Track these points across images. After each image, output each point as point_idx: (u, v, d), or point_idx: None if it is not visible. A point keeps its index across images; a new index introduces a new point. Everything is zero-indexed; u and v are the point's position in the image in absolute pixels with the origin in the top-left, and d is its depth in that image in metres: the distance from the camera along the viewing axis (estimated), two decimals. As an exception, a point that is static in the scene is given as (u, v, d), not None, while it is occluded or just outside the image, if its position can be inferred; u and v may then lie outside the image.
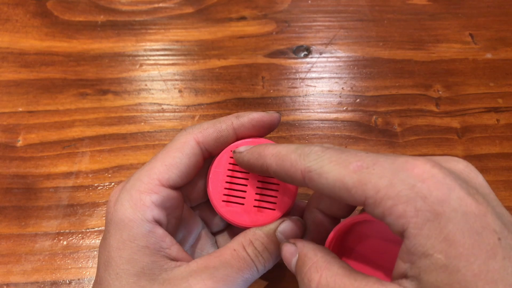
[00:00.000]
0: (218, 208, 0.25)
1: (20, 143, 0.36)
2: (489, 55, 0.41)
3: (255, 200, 0.25)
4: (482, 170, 0.35)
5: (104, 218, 0.33)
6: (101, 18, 0.43)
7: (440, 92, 0.39)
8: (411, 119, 0.38)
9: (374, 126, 0.37)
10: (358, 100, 0.39)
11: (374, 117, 0.38)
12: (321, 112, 0.38)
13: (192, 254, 0.27)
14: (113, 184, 0.34)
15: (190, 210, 0.28)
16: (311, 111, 0.38)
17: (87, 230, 0.33)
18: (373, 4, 0.45)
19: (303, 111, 0.38)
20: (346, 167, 0.18)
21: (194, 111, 0.38)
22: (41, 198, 0.34)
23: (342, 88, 0.40)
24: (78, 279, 0.31)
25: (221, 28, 0.42)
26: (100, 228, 0.33)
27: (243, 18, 0.43)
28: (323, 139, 0.37)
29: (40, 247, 0.32)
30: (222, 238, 0.29)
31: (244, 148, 0.24)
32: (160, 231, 0.23)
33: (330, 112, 0.38)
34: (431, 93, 0.39)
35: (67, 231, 0.32)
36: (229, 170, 0.25)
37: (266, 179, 0.25)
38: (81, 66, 0.40)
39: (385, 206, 0.17)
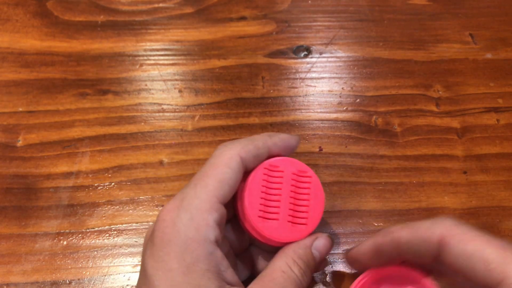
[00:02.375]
0: (254, 224, 0.24)
1: (20, 143, 0.36)
2: (489, 55, 0.41)
3: (289, 215, 0.25)
4: (482, 170, 0.36)
5: (104, 218, 0.33)
6: (101, 18, 0.43)
7: (440, 92, 0.39)
8: (411, 119, 0.38)
9: (374, 126, 0.37)
10: (358, 100, 0.39)
11: (374, 117, 0.38)
12: (321, 112, 0.38)
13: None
14: (113, 184, 0.34)
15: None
16: (311, 111, 0.38)
17: (87, 230, 0.33)
18: (373, 4, 0.45)
19: (303, 111, 0.38)
20: (489, 242, 0.19)
21: (194, 111, 0.38)
22: (41, 198, 0.34)
23: (342, 88, 0.40)
24: (78, 279, 0.31)
25: (221, 28, 0.42)
26: (100, 228, 0.33)
27: (243, 18, 0.43)
28: (323, 139, 0.37)
29: (40, 247, 0.32)
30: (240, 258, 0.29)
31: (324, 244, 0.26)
32: (219, 253, 0.22)
33: (330, 112, 0.38)
34: (431, 93, 0.39)
35: (67, 231, 0.32)
36: (262, 186, 0.25)
37: (298, 196, 0.26)
38: (81, 66, 0.40)
39: None
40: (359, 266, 0.26)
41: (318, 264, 0.26)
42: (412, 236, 0.21)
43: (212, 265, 0.22)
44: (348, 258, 0.26)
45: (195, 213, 0.22)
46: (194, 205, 0.22)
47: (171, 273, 0.21)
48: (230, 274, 0.23)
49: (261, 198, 0.25)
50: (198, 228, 0.22)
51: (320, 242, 0.25)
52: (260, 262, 0.28)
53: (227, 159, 0.24)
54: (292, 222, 0.25)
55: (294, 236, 0.25)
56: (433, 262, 0.22)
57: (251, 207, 0.24)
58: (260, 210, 0.25)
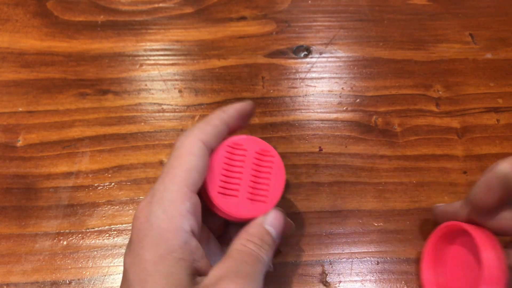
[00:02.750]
0: (214, 199, 0.25)
1: (20, 143, 0.36)
2: (489, 55, 0.41)
3: (249, 193, 0.26)
4: (482, 170, 0.36)
5: (103, 218, 0.33)
6: (101, 18, 0.43)
7: (440, 92, 0.39)
8: (411, 119, 0.38)
9: (374, 126, 0.37)
10: (358, 100, 0.39)
11: (374, 117, 0.38)
12: (321, 112, 0.38)
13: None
14: (113, 184, 0.34)
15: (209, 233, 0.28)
16: (311, 111, 0.38)
17: (87, 230, 0.33)
18: (373, 4, 0.45)
19: (303, 111, 0.38)
20: None
21: (194, 111, 0.38)
22: (41, 198, 0.34)
23: (342, 88, 0.40)
24: (78, 279, 0.31)
25: (221, 28, 0.42)
26: (100, 228, 0.33)
27: (243, 18, 0.43)
28: (323, 139, 0.37)
29: (40, 247, 0.32)
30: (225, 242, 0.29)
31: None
32: (194, 242, 0.22)
33: (330, 112, 0.38)
34: (431, 93, 0.39)
35: (67, 231, 0.32)
36: (224, 163, 0.25)
37: (259, 174, 0.26)
38: (81, 66, 0.40)
39: None
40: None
41: (278, 237, 0.26)
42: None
43: (186, 254, 0.22)
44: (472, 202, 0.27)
45: (167, 205, 0.22)
46: (166, 197, 0.22)
47: (144, 264, 0.21)
48: (204, 264, 0.23)
49: (222, 175, 0.25)
50: (171, 219, 0.22)
51: (270, 216, 0.26)
52: None
53: (189, 147, 0.24)
54: (251, 199, 0.26)
55: (253, 213, 0.26)
56: None
57: (211, 183, 0.25)
58: (220, 187, 0.25)
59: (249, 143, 0.26)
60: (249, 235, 0.25)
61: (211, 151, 0.25)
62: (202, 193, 0.25)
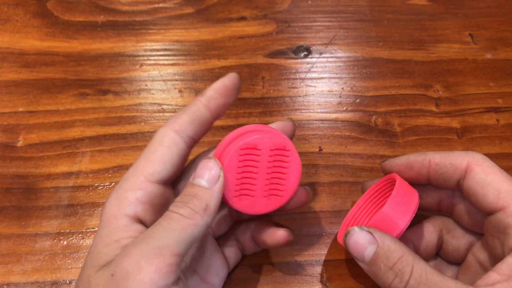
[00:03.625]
0: (232, 203, 0.25)
1: (20, 143, 0.36)
2: (489, 55, 0.41)
3: (264, 191, 0.26)
4: (482, 170, 0.36)
5: (104, 218, 0.33)
6: (101, 18, 0.43)
7: (440, 92, 0.39)
8: (411, 119, 0.38)
9: (374, 126, 0.38)
10: (358, 100, 0.39)
11: (374, 117, 0.38)
12: (321, 112, 0.38)
13: (198, 257, 0.27)
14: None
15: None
16: (311, 111, 0.38)
17: (88, 230, 0.33)
18: (373, 4, 0.45)
19: (303, 111, 0.38)
20: (507, 178, 0.23)
21: (194, 111, 0.38)
22: (41, 198, 0.34)
23: (342, 88, 0.40)
24: (78, 279, 0.31)
25: (221, 28, 0.42)
26: (100, 228, 0.33)
27: (243, 18, 0.43)
28: (323, 139, 0.37)
29: (40, 247, 0.32)
30: (226, 245, 0.29)
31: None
32: (138, 227, 0.23)
33: (330, 112, 0.38)
34: (431, 93, 0.39)
35: (68, 231, 0.32)
36: (238, 168, 0.25)
37: (275, 170, 0.26)
38: (81, 66, 0.40)
39: None
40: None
41: (212, 183, 0.23)
42: (444, 160, 0.25)
43: (124, 237, 0.22)
44: (382, 166, 0.29)
45: (120, 192, 0.23)
46: (122, 186, 0.23)
47: (95, 244, 0.23)
48: None
49: (237, 179, 0.25)
50: (118, 205, 0.23)
51: (196, 172, 0.23)
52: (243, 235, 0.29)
53: (159, 138, 0.24)
54: (268, 195, 0.26)
55: (269, 208, 0.26)
56: (454, 187, 0.25)
57: (227, 189, 0.25)
58: (236, 191, 0.25)
59: (262, 141, 0.25)
60: (177, 200, 0.23)
61: (191, 138, 0.25)
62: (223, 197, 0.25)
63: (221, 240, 0.29)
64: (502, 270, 0.21)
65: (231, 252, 0.29)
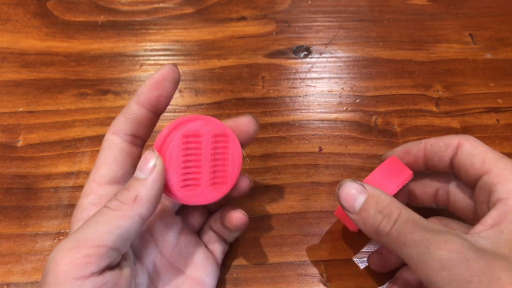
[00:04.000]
0: (177, 194, 0.25)
1: (20, 143, 0.36)
2: (489, 55, 0.41)
3: (210, 179, 0.26)
4: (482, 170, 0.36)
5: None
6: (101, 18, 0.43)
7: (440, 92, 0.39)
8: (411, 119, 0.38)
9: (374, 126, 0.38)
10: (358, 100, 0.39)
11: (374, 117, 0.38)
12: (321, 112, 0.38)
13: (178, 254, 0.27)
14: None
15: (169, 211, 0.28)
16: (311, 111, 0.38)
17: (87, 230, 0.33)
18: (373, 4, 0.45)
19: (303, 111, 0.38)
20: (493, 153, 0.25)
21: (194, 111, 0.38)
22: (42, 198, 0.34)
23: (342, 88, 0.40)
24: (78, 279, 0.31)
25: (221, 28, 0.42)
26: (100, 228, 0.33)
27: (243, 18, 0.43)
28: (323, 139, 0.37)
29: (41, 247, 0.32)
30: (205, 234, 0.29)
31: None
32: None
33: (330, 112, 0.38)
34: (431, 93, 0.39)
35: (67, 231, 0.32)
36: (182, 156, 0.25)
37: (217, 157, 0.26)
38: (81, 66, 0.40)
39: (507, 179, 0.23)
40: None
41: (146, 174, 0.23)
42: (438, 140, 0.27)
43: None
44: (383, 158, 0.30)
45: (78, 200, 0.25)
46: (81, 193, 0.25)
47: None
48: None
49: (182, 168, 0.25)
50: (75, 213, 0.24)
51: (138, 165, 0.23)
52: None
53: (104, 143, 0.25)
54: (213, 184, 0.26)
55: (216, 196, 0.26)
56: (448, 167, 0.27)
57: (172, 178, 0.24)
58: (182, 180, 0.25)
59: (203, 128, 0.25)
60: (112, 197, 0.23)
61: (131, 136, 0.25)
62: (165, 188, 0.25)
63: (201, 233, 0.30)
64: (486, 221, 0.23)
65: (214, 243, 0.29)
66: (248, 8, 0.44)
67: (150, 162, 0.23)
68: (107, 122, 0.37)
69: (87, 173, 0.35)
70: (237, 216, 0.27)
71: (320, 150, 0.36)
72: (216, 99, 0.39)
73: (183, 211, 0.30)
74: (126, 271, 0.23)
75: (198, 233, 0.30)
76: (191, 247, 0.28)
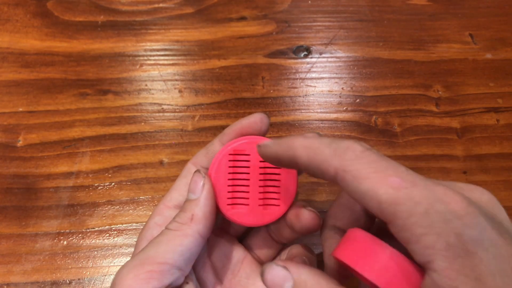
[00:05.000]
0: (224, 212, 0.25)
1: (20, 143, 0.36)
2: (489, 55, 0.41)
3: (259, 199, 0.25)
4: (482, 170, 0.36)
5: (104, 218, 0.33)
6: (101, 18, 0.43)
7: (440, 92, 0.39)
8: (411, 119, 0.38)
9: (374, 126, 0.37)
10: (358, 100, 0.39)
11: (374, 117, 0.38)
12: (321, 112, 0.38)
13: (239, 284, 0.27)
14: (113, 184, 0.34)
15: (230, 237, 0.28)
16: (311, 111, 0.38)
17: (87, 230, 0.33)
18: (373, 4, 0.45)
19: (303, 111, 0.38)
20: (384, 179, 0.17)
21: (194, 111, 0.38)
22: (42, 198, 0.34)
23: (342, 88, 0.40)
24: (79, 279, 0.31)
25: (221, 28, 0.42)
26: (100, 228, 0.33)
27: (243, 18, 0.43)
28: (323, 139, 0.37)
29: (40, 247, 0.32)
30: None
31: (270, 141, 0.23)
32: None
33: (330, 112, 0.38)
34: (431, 93, 0.39)
35: (67, 231, 0.32)
36: (229, 173, 0.25)
37: (267, 177, 0.25)
38: (81, 66, 0.40)
39: (414, 233, 0.17)
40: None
41: (196, 193, 0.24)
42: (310, 162, 0.20)
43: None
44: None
45: (148, 219, 0.26)
46: (151, 214, 0.27)
47: None
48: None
49: (228, 185, 0.25)
50: (142, 232, 0.26)
51: (188, 188, 0.25)
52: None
53: (183, 171, 0.27)
54: (263, 205, 0.25)
55: (266, 219, 0.25)
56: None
57: (219, 195, 0.25)
58: (228, 198, 0.25)
59: (250, 146, 0.25)
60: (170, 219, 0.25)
61: (207, 170, 0.26)
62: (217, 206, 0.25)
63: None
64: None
65: None
66: (248, 8, 0.44)
67: (199, 182, 0.24)
68: (107, 122, 0.37)
69: (87, 173, 0.35)
70: (308, 216, 0.25)
71: (320, 150, 0.36)
72: (216, 99, 0.39)
73: (250, 241, 0.29)
74: None
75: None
76: (252, 279, 0.27)
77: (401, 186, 0.17)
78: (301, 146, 0.20)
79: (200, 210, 0.24)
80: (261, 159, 0.25)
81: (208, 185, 0.24)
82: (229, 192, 0.25)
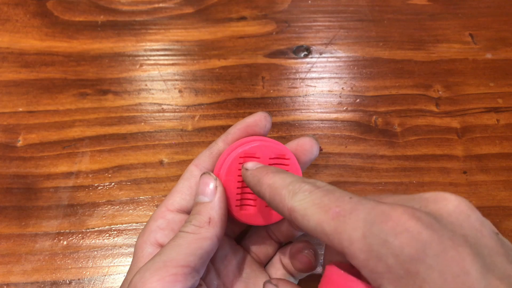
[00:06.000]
0: (234, 213, 0.25)
1: (20, 143, 0.36)
2: (489, 55, 0.41)
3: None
4: (482, 170, 0.36)
5: (104, 218, 0.33)
6: (101, 18, 0.43)
7: (440, 92, 0.39)
8: (411, 119, 0.38)
9: (374, 126, 0.37)
10: (358, 100, 0.39)
11: (374, 117, 0.38)
12: (321, 112, 0.38)
13: (241, 285, 0.27)
14: (113, 184, 0.34)
15: (228, 239, 0.28)
16: (311, 111, 0.38)
17: (87, 230, 0.33)
18: (373, 4, 0.45)
19: (303, 111, 0.38)
20: (326, 213, 0.18)
21: (194, 111, 0.38)
22: (41, 198, 0.34)
23: (342, 88, 0.40)
24: (78, 279, 0.31)
25: (221, 28, 0.42)
26: (100, 228, 0.33)
27: (243, 18, 0.43)
28: (323, 139, 0.37)
29: (40, 247, 0.32)
30: (273, 268, 0.29)
31: (251, 165, 0.24)
32: (153, 250, 0.25)
33: (330, 112, 0.38)
34: (431, 93, 0.39)
35: (67, 231, 0.32)
36: (238, 176, 0.25)
37: None
38: (81, 66, 0.40)
39: (359, 259, 0.17)
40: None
41: (210, 196, 0.25)
42: (271, 202, 0.21)
43: (141, 261, 0.24)
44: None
45: (149, 221, 0.26)
46: (149, 219, 0.26)
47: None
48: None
49: (237, 188, 0.25)
50: (142, 236, 0.26)
51: (197, 190, 0.25)
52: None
53: (184, 173, 0.27)
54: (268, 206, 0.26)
55: (272, 218, 0.26)
56: None
57: (229, 197, 0.25)
58: (237, 200, 0.25)
59: (260, 150, 0.25)
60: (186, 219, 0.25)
61: (211, 170, 0.27)
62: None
63: (269, 265, 0.29)
64: None
65: (279, 277, 0.28)
66: (248, 8, 0.44)
67: (210, 184, 0.24)
68: (107, 122, 0.37)
69: (87, 173, 0.35)
70: (303, 260, 0.27)
71: (320, 150, 0.36)
72: (216, 99, 0.39)
73: (248, 241, 0.29)
74: None
75: (268, 265, 0.29)
76: (253, 279, 0.27)
77: (339, 215, 0.17)
78: (266, 184, 0.22)
79: (216, 213, 0.24)
80: (270, 162, 0.25)
81: (220, 187, 0.24)
82: (238, 194, 0.25)
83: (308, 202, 0.19)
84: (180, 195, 0.26)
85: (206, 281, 0.26)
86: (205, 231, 0.23)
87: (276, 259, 0.29)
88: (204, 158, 0.27)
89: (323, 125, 0.38)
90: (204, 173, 0.25)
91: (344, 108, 0.38)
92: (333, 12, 0.44)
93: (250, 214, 0.26)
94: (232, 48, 0.41)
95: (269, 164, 0.25)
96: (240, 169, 0.25)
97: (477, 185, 0.35)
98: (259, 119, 0.26)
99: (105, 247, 0.32)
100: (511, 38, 0.43)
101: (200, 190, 0.25)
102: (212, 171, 0.27)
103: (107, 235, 0.33)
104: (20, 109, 0.37)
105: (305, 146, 0.27)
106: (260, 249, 0.29)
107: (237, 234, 0.30)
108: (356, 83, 0.40)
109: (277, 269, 0.28)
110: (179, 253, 0.22)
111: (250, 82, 0.39)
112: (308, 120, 0.38)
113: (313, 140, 0.27)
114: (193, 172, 0.27)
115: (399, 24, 0.43)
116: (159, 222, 0.26)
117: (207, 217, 0.24)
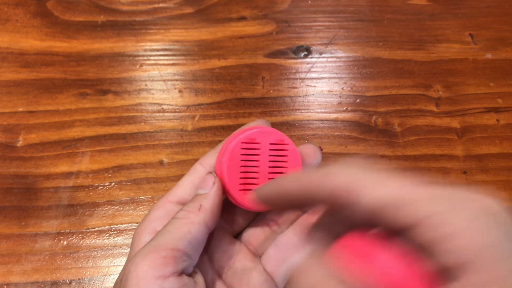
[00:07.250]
0: (237, 198, 0.26)
1: (20, 143, 0.36)
2: (489, 55, 0.41)
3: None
4: (482, 170, 0.36)
5: (104, 218, 0.33)
6: (101, 18, 0.43)
7: (440, 92, 0.39)
8: (411, 119, 0.38)
9: (374, 126, 0.37)
10: (358, 100, 0.39)
11: (374, 117, 0.38)
12: (321, 112, 0.38)
13: (234, 275, 0.27)
14: (113, 184, 0.34)
15: (225, 233, 0.29)
16: (311, 111, 0.38)
17: (87, 230, 0.33)
18: (373, 4, 0.45)
19: (303, 111, 0.38)
20: (403, 183, 0.17)
21: (194, 111, 0.38)
22: (41, 198, 0.34)
23: (342, 88, 0.40)
24: (78, 279, 0.31)
25: (221, 28, 0.42)
26: (100, 228, 0.33)
27: (243, 18, 0.43)
28: (323, 139, 0.37)
29: (40, 247, 0.32)
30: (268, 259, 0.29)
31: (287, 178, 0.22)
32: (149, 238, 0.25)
33: (330, 112, 0.38)
34: (431, 93, 0.39)
35: (67, 231, 0.32)
36: (241, 160, 0.26)
37: (275, 164, 0.27)
38: (81, 66, 0.40)
39: (445, 232, 0.15)
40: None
41: (206, 188, 0.25)
42: (324, 196, 0.18)
43: (138, 249, 0.24)
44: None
45: (150, 211, 0.27)
46: (153, 207, 0.27)
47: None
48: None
49: (240, 172, 0.26)
50: (142, 224, 0.26)
51: (201, 185, 0.26)
52: None
53: (190, 170, 0.28)
54: None
55: None
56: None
57: (231, 183, 0.26)
58: (240, 184, 0.26)
59: (262, 136, 0.27)
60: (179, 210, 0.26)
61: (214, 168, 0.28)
62: (224, 190, 0.26)
63: (265, 256, 0.29)
64: None
65: (273, 267, 0.28)
66: (248, 8, 0.44)
67: (210, 181, 0.26)
68: (107, 122, 0.37)
69: (87, 173, 0.35)
70: (308, 151, 0.27)
71: (320, 150, 0.36)
72: (216, 99, 0.39)
73: (246, 233, 0.29)
74: (200, 282, 0.24)
75: (263, 256, 0.29)
76: (248, 270, 0.27)
77: (420, 185, 0.17)
78: (308, 180, 0.19)
79: (208, 202, 0.25)
80: (270, 147, 0.27)
81: (218, 183, 0.25)
82: (241, 178, 0.26)
83: (373, 172, 0.18)
84: (181, 189, 0.27)
85: (201, 270, 0.26)
86: (194, 216, 0.24)
87: (272, 250, 0.29)
88: (211, 158, 0.28)
89: (323, 125, 0.38)
90: (209, 173, 0.26)
91: (344, 108, 0.38)
92: (333, 12, 0.44)
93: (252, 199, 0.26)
94: (232, 48, 0.41)
95: (270, 150, 0.26)
96: (242, 154, 0.26)
97: (477, 185, 0.35)
98: (260, 124, 0.28)
99: (105, 247, 0.32)
100: (511, 38, 0.43)
101: (201, 185, 0.26)
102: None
103: (107, 235, 0.33)
104: (20, 109, 0.38)
105: (309, 153, 0.28)
106: (256, 241, 0.29)
107: (235, 232, 0.30)
108: (356, 83, 0.40)
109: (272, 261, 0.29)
110: (168, 237, 0.23)
111: (250, 82, 0.39)
112: (308, 120, 0.38)
113: (315, 147, 0.28)
114: (197, 169, 0.28)
115: (399, 24, 0.43)
116: (159, 212, 0.26)
117: (198, 204, 0.24)
